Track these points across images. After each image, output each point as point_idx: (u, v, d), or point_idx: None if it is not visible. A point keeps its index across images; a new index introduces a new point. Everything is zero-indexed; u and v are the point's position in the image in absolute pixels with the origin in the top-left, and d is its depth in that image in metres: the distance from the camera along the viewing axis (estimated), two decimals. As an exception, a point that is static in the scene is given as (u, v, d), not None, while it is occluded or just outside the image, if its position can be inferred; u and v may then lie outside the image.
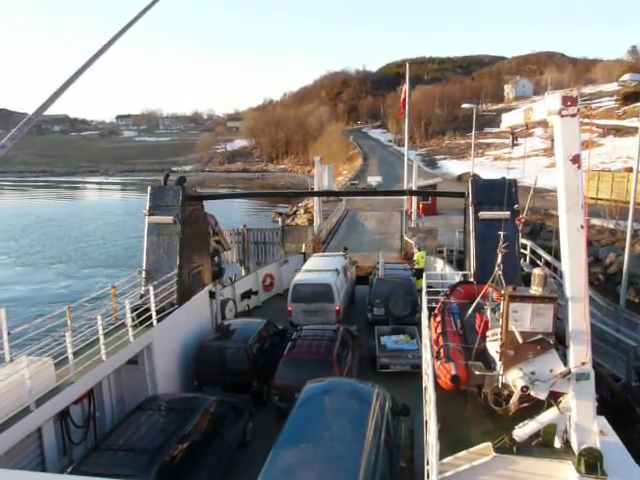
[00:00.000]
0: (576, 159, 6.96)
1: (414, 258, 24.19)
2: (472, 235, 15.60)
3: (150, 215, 15.94)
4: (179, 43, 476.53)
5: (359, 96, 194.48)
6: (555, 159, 7.25)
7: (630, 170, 44.14)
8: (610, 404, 10.82)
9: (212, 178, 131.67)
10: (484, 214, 15.26)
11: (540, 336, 7.45)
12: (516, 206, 14.09)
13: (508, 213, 13.89)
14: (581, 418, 7.04)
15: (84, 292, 14.57)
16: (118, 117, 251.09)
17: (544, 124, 7.46)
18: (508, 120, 10.26)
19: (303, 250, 27.22)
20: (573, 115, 6.89)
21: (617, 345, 14.94)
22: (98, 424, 11.90)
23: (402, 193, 27.81)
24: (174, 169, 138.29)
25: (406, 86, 33.14)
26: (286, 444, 8.89)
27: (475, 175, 17.53)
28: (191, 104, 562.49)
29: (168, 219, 15.71)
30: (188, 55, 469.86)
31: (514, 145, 10.21)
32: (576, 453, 7.05)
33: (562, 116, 6.92)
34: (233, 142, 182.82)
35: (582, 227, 7.02)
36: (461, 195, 17.07)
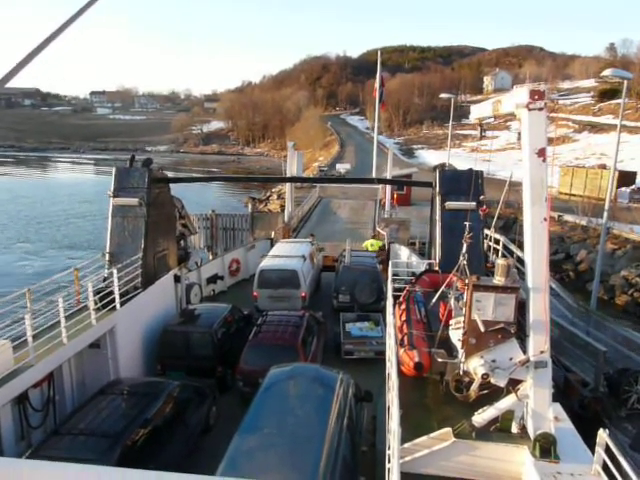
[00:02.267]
0: (542, 153, 7.11)
1: (368, 245, 24.64)
2: (438, 225, 15.82)
3: (115, 197, 15.57)
4: (157, 23, 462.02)
5: (339, 82, 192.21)
6: (522, 152, 7.39)
7: (604, 167, 44.86)
8: (579, 415, 10.79)
9: (186, 160, 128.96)
10: (450, 204, 15.48)
11: (502, 325, 7.64)
12: (482, 197, 14.35)
13: (474, 204, 14.12)
14: (538, 404, 7.29)
15: (48, 273, 14.15)
16: (92, 93, 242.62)
17: (512, 117, 7.58)
18: (477, 112, 10.39)
19: (272, 237, 27.03)
20: (540, 109, 7.02)
21: (586, 348, 14.87)
22: (58, 408, 11.66)
23: (370, 181, 27.86)
24: (148, 149, 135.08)
25: (378, 73, 33.02)
26: (249, 429, 8.91)
27: (443, 165, 17.70)
28: (168, 83, 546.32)
29: (133, 201, 15.39)
30: (167, 35, 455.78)
31: (482, 137, 10.36)
32: (532, 438, 7.31)
33: (529, 109, 7.05)
34: (209, 124, 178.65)
35: (545, 220, 7.20)
36: (429, 185, 17.26)
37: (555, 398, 8.26)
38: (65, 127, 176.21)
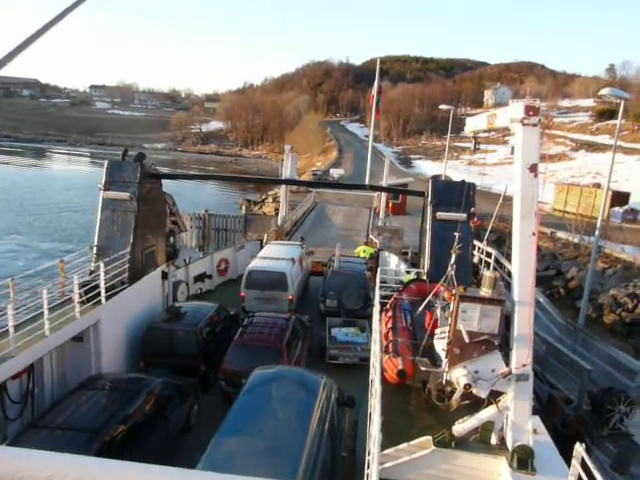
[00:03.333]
0: (533, 168, 7.19)
1: (360, 251, 24.66)
2: (428, 234, 15.91)
3: (106, 190, 15.49)
4: (161, 19, 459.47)
5: (340, 88, 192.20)
6: (514, 166, 7.46)
7: (598, 186, 45.11)
8: (561, 433, 10.83)
9: (184, 158, 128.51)
10: (441, 215, 15.58)
11: (486, 337, 7.69)
12: (473, 209, 14.44)
13: (465, 215, 14.23)
14: (517, 417, 7.34)
15: (36, 266, 14.01)
16: (92, 87, 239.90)
17: (509, 131, 7.65)
18: (472, 124, 10.48)
19: (265, 240, 26.97)
20: (534, 125, 7.11)
21: (572, 366, 14.89)
22: (37, 401, 11.55)
23: (363, 187, 27.94)
24: (145, 146, 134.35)
25: (376, 81, 33.18)
26: (229, 430, 8.87)
27: (436, 176, 17.82)
28: (169, 81, 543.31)
29: (124, 195, 15.32)
30: (170, 31, 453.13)
31: (476, 149, 10.44)
32: (510, 450, 7.35)
33: (524, 125, 7.13)
34: (209, 123, 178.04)
35: (534, 234, 7.27)
36: (421, 194, 17.35)
37: (538, 415, 8.31)
38: (63, 119, 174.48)
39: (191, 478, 1.22)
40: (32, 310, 11.53)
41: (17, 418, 10.89)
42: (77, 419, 9.67)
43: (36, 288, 11.67)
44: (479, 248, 21.02)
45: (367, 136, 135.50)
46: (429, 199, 16.20)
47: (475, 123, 10.28)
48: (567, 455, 6.95)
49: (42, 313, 11.17)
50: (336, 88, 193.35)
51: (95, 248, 15.01)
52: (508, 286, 8.34)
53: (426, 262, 15.73)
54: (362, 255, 24.27)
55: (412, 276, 19.57)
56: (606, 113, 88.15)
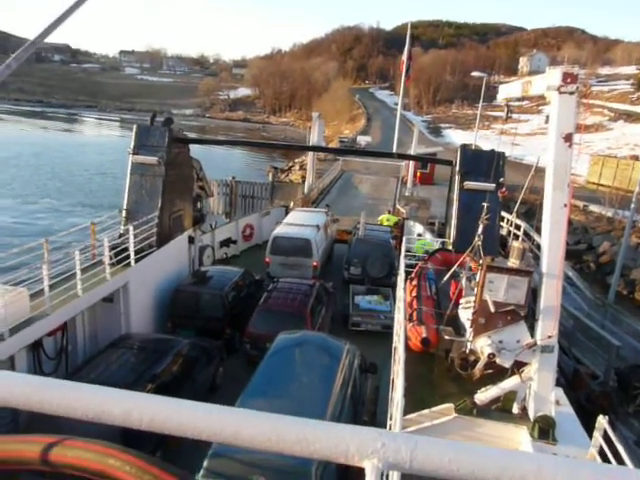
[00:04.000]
0: (568, 138, 7.00)
1: (384, 219, 24.55)
2: (455, 204, 15.72)
3: (134, 154, 15.64)
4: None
5: (370, 54, 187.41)
6: (548, 135, 7.28)
7: (636, 158, 43.11)
8: (585, 408, 10.65)
9: (212, 125, 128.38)
10: (469, 184, 15.34)
11: (512, 307, 7.66)
12: (502, 179, 14.18)
13: (493, 185, 13.99)
14: (541, 387, 7.36)
15: (68, 227, 14.37)
16: (121, 52, 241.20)
17: (540, 100, 7.43)
18: (505, 91, 10.20)
19: (291, 207, 26.97)
20: (571, 93, 6.89)
21: (600, 341, 14.60)
22: (70, 357, 11.99)
23: (390, 155, 27.56)
24: (174, 111, 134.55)
25: (407, 45, 32.34)
26: (254, 392, 9.09)
27: (465, 145, 17.47)
28: (198, 47, 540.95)
29: (152, 160, 15.45)
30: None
31: (508, 118, 10.18)
32: (531, 419, 7.41)
33: (560, 93, 6.91)
34: (236, 90, 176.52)
35: (565, 206, 7.13)
36: (449, 163, 17.09)
37: (562, 388, 8.30)
38: (93, 85, 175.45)
39: (266, 420, 1.30)
40: (65, 270, 11.86)
41: (52, 373, 11.34)
42: (108, 376, 10.05)
43: (68, 249, 11.97)
44: (508, 220, 20.76)
45: (396, 104, 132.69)
46: (457, 168, 15.95)
47: (509, 90, 10.00)
48: (590, 430, 6.97)
49: (74, 274, 11.50)
50: (366, 54, 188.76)
51: (124, 211, 15.26)
52: (537, 259, 8.24)
53: (452, 232, 15.59)
54: (385, 224, 24.18)
55: (424, 241, 19.42)
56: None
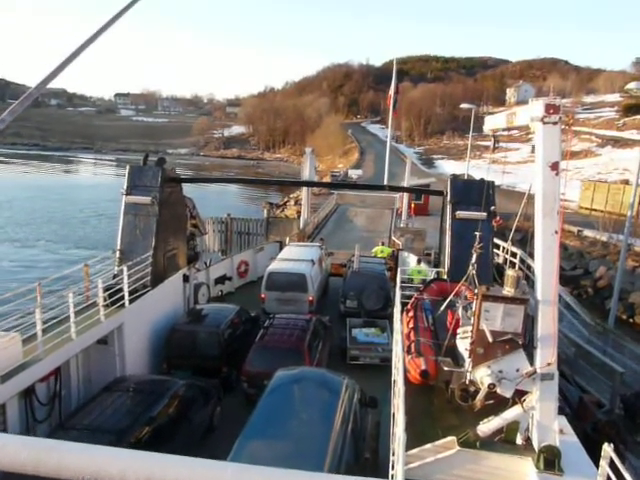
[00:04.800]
0: (555, 166, 7.12)
1: (378, 251, 24.59)
2: (448, 234, 15.82)
3: (128, 195, 15.72)
4: (182, 26, 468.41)
5: (360, 90, 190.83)
6: (535, 165, 7.40)
7: (626, 182, 43.42)
8: (591, 438, 10.35)
9: (207, 163, 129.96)
10: (461, 213, 15.48)
11: (509, 336, 7.64)
12: (493, 208, 14.32)
13: (485, 214, 14.12)
14: (543, 416, 7.27)
15: (62, 270, 14.34)
16: (117, 95, 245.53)
17: (529, 128, 7.58)
18: (491, 122, 10.39)
19: (281, 240, 26.98)
20: (555, 123, 7.04)
21: (602, 368, 14.34)
22: (64, 403, 11.76)
23: (382, 188, 27.81)
24: (169, 151, 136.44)
25: (393, 80, 33.09)
26: (253, 433, 8.94)
27: (455, 175, 17.71)
28: (192, 87, 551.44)
29: (146, 199, 15.52)
30: (190, 39, 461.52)
31: (495, 149, 10.35)
32: (536, 450, 7.28)
33: (544, 123, 7.06)
34: (230, 128, 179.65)
35: (556, 232, 7.20)
36: (440, 193, 17.27)
37: (569, 419, 8.19)
38: (89, 127, 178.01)
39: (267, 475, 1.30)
40: (58, 313, 11.75)
41: (45, 420, 11.11)
42: (103, 421, 9.85)
43: (62, 292, 11.89)
44: (504, 248, 20.82)
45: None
46: (448, 198, 16.12)
47: (494, 121, 10.19)
48: (597, 460, 6.85)
49: (68, 316, 11.38)
50: (357, 90, 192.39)
51: (118, 252, 15.23)
52: (533, 285, 8.25)
53: (446, 261, 15.65)
54: (380, 255, 24.25)
55: (420, 268, 19.46)
56: (633, 108, 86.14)
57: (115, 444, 8.99)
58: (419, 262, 20.39)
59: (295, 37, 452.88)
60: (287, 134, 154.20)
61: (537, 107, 7.18)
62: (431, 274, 16.63)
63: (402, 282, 15.37)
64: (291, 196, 58.21)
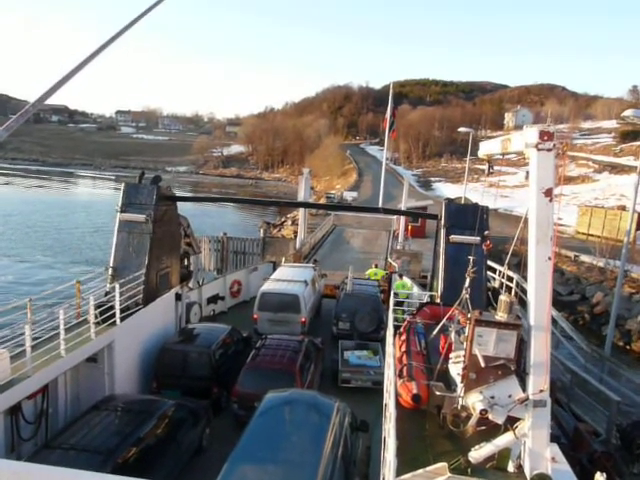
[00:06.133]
0: (549, 192, 7.18)
1: (372, 274, 24.57)
2: (442, 257, 15.85)
3: (122, 212, 15.71)
4: (184, 45, 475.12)
5: (360, 112, 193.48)
6: (529, 190, 7.47)
7: (623, 208, 43.81)
8: (587, 470, 10.13)
9: (205, 181, 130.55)
10: (455, 237, 15.54)
11: (502, 361, 7.61)
12: (486, 232, 14.39)
13: (478, 238, 14.18)
14: (535, 444, 7.21)
15: (54, 286, 14.25)
16: (118, 112, 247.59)
17: (520, 155, 7.66)
18: (485, 148, 10.50)
19: (275, 261, 26.93)
20: (549, 150, 7.12)
21: (599, 396, 14.14)
22: (51, 421, 11.57)
23: (376, 210, 27.90)
24: (168, 169, 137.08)
25: (390, 103, 33.55)
26: (243, 454, 8.82)
27: (450, 199, 17.81)
28: (192, 106, 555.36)
29: (140, 217, 15.51)
30: (192, 58, 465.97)
31: (489, 174, 10.45)
32: (528, 477, 7.20)
33: (538, 150, 7.14)
34: (230, 147, 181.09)
35: (549, 258, 7.23)
36: (434, 217, 17.35)
37: (561, 446, 8.11)
38: (89, 144, 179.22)
39: None
40: (49, 330, 11.62)
41: (31, 438, 10.90)
42: (90, 440, 9.67)
43: (53, 308, 11.78)
44: (500, 272, 20.85)
45: (386, 159, 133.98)
46: (442, 222, 16.20)
47: (489, 147, 10.30)
48: None
49: (58, 333, 11.26)
50: (356, 112, 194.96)
51: (111, 269, 15.16)
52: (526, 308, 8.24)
53: (440, 285, 15.65)
54: (373, 277, 24.25)
55: (404, 282, 19.49)
56: (630, 135, 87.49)
57: (102, 464, 8.84)
58: (401, 277, 20.46)
59: (296, 58, 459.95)
60: (286, 154, 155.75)
61: (531, 134, 7.26)
62: (424, 297, 16.60)
63: (395, 305, 15.34)
64: (288, 216, 58.33)
